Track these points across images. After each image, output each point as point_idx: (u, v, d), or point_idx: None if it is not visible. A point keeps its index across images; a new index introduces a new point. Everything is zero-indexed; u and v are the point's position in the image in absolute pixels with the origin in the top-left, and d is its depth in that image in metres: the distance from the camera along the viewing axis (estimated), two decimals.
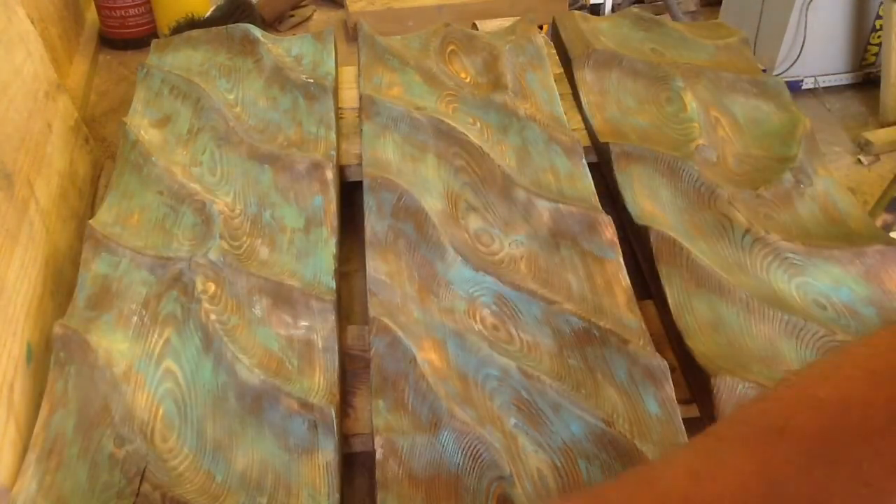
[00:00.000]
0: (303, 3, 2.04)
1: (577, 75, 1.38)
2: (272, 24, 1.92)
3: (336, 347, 0.94)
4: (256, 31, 1.41)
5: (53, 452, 0.83)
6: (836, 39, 2.94)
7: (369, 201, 1.09)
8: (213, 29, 1.45)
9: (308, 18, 2.00)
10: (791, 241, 1.07)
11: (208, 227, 1.06)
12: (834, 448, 0.48)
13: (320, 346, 0.94)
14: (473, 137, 1.19)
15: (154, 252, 1.03)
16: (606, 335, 0.94)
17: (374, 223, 1.07)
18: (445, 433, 0.84)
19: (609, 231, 1.08)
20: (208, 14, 1.82)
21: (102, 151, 1.39)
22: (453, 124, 1.21)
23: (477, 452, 0.83)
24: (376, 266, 1.02)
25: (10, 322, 0.90)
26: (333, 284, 1.00)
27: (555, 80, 1.37)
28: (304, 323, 0.97)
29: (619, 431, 0.85)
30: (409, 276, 1.02)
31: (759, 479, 0.49)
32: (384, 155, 1.18)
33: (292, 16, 1.99)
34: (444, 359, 0.93)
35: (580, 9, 3.08)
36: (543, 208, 1.11)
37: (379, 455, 0.83)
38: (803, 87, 3.00)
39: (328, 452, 0.83)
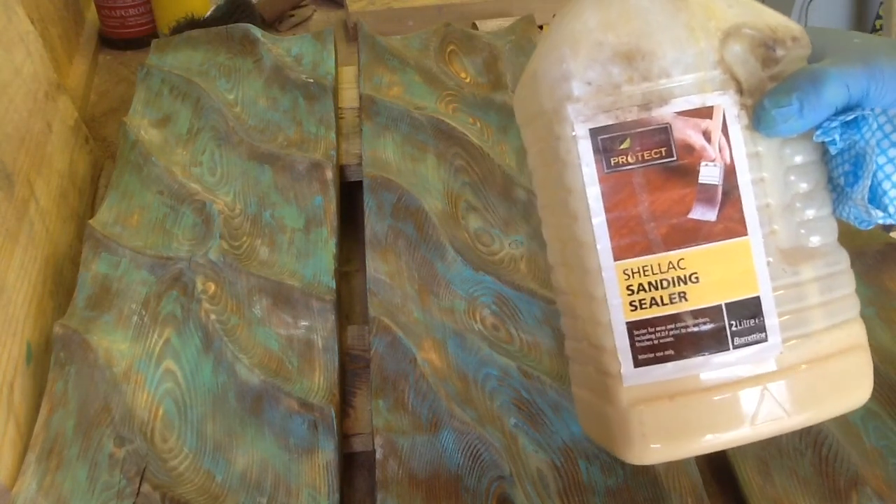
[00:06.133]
0: (303, 3, 2.04)
1: None
2: (272, 24, 1.91)
3: (336, 347, 0.94)
4: (256, 31, 1.41)
5: (53, 452, 0.83)
6: None
7: (369, 201, 1.09)
8: (213, 29, 1.45)
9: (308, 18, 1.99)
10: None
11: (208, 226, 1.06)
12: None
13: (320, 345, 0.94)
14: (473, 137, 1.19)
15: (154, 252, 1.03)
16: None
17: (374, 223, 1.07)
18: (445, 433, 0.84)
19: None
20: (208, 14, 1.82)
21: (102, 151, 1.39)
22: (453, 124, 1.21)
23: (477, 452, 0.83)
24: (376, 266, 1.02)
25: (10, 322, 0.90)
26: (333, 284, 1.00)
27: None
28: (304, 323, 0.97)
29: None
30: (410, 275, 1.03)
31: None
32: (384, 155, 1.18)
33: (292, 16, 1.98)
34: (445, 359, 0.93)
35: None
36: None
37: (379, 455, 0.83)
38: None
39: (328, 452, 0.83)
